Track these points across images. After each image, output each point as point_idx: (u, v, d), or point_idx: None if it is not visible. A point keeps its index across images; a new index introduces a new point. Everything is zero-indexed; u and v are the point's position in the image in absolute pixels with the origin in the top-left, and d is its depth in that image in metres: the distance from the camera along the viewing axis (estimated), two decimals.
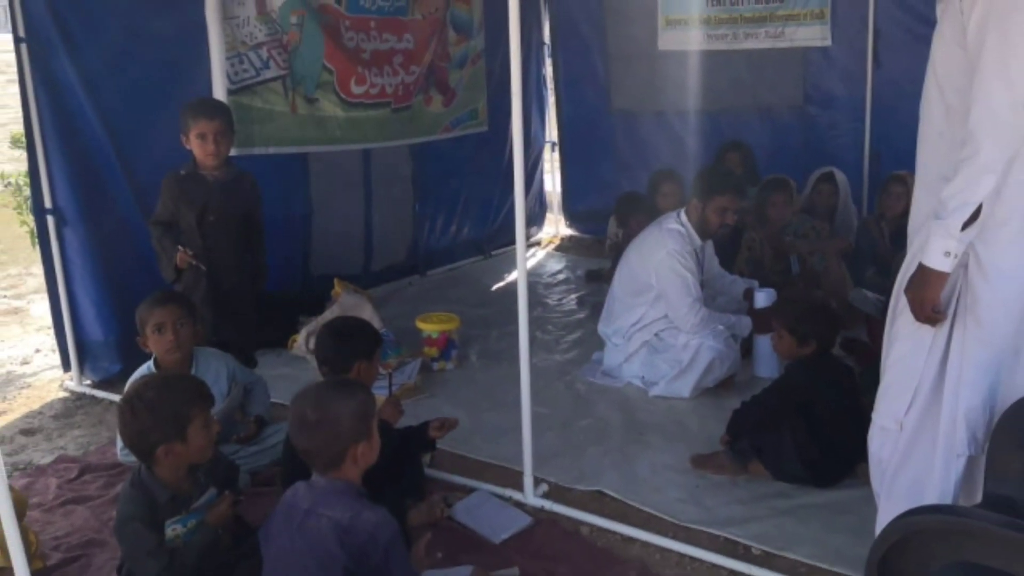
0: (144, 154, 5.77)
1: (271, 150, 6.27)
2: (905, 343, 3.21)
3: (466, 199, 8.91)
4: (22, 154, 6.29)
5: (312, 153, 6.98)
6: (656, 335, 5.71)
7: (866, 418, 3.42)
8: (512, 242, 5.25)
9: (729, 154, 7.63)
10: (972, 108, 2.86)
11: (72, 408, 5.71)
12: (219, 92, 5.82)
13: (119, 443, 4.61)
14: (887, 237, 6.74)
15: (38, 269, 6.71)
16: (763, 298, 5.86)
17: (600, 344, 6.14)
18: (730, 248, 6.81)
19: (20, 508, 3.85)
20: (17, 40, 5.48)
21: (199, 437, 3.39)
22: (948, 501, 3.09)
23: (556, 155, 10.09)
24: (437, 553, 3.69)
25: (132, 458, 3.64)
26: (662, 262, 5.58)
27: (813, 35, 8.06)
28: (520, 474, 4.40)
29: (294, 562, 2.90)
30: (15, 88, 5.74)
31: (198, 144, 5.06)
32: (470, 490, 4.50)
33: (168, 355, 4.44)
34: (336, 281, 6.61)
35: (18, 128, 7.53)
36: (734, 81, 8.53)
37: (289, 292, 6.87)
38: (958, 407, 3.06)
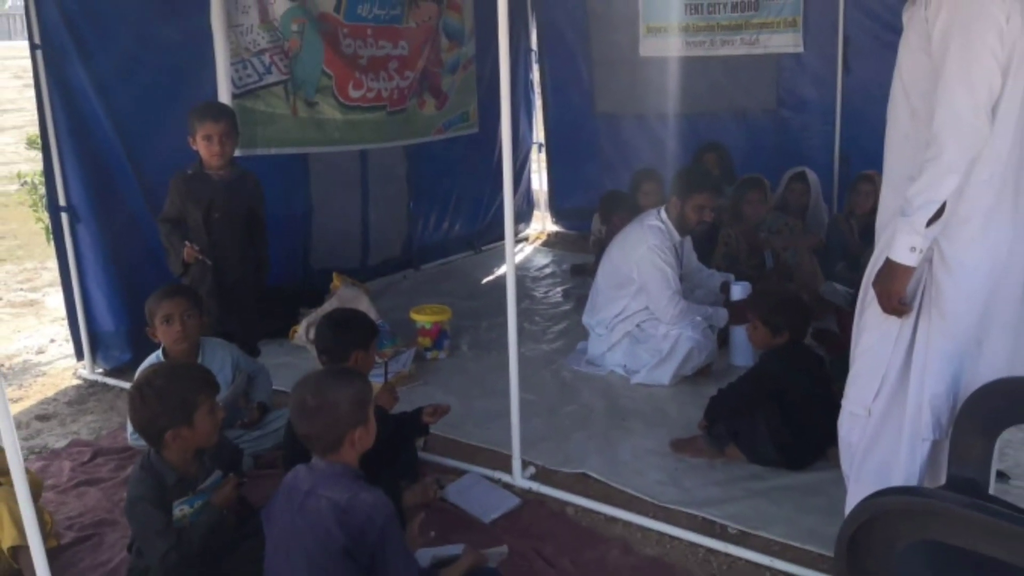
0: (153, 154, 5.75)
1: (273, 151, 6.25)
2: (873, 333, 3.22)
3: (458, 197, 8.89)
4: (37, 155, 6.27)
5: (312, 154, 6.95)
6: (638, 326, 5.71)
7: (836, 404, 3.42)
8: (501, 238, 5.24)
9: (706, 155, 7.63)
10: (936, 111, 2.86)
11: (85, 395, 5.70)
12: (224, 96, 5.79)
13: (129, 428, 4.60)
14: (856, 233, 6.74)
15: (53, 263, 6.68)
16: (739, 291, 5.87)
17: (584, 334, 6.13)
18: (707, 243, 6.81)
19: (36, 490, 3.84)
20: (33, 47, 5.47)
21: (205, 422, 3.38)
22: (914, 483, 3.10)
23: (543, 155, 10.05)
24: (430, 532, 3.71)
25: (142, 442, 3.63)
26: (643, 257, 5.58)
27: (786, 42, 8.05)
28: (509, 457, 4.41)
29: (295, 541, 2.89)
30: (31, 92, 5.72)
31: (204, 145, 5.05)
32: (461, 472, 4.51)
33: (176, 345, 4.44)
34: (335, 275, 6.60)
35: (34, 130, 7.51)
36: (711, 86, 8.50)
37: (290, 285, 6.84)
38: (923, 394, 3.07)
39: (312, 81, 6.43)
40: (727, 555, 3.78)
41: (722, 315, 5.78)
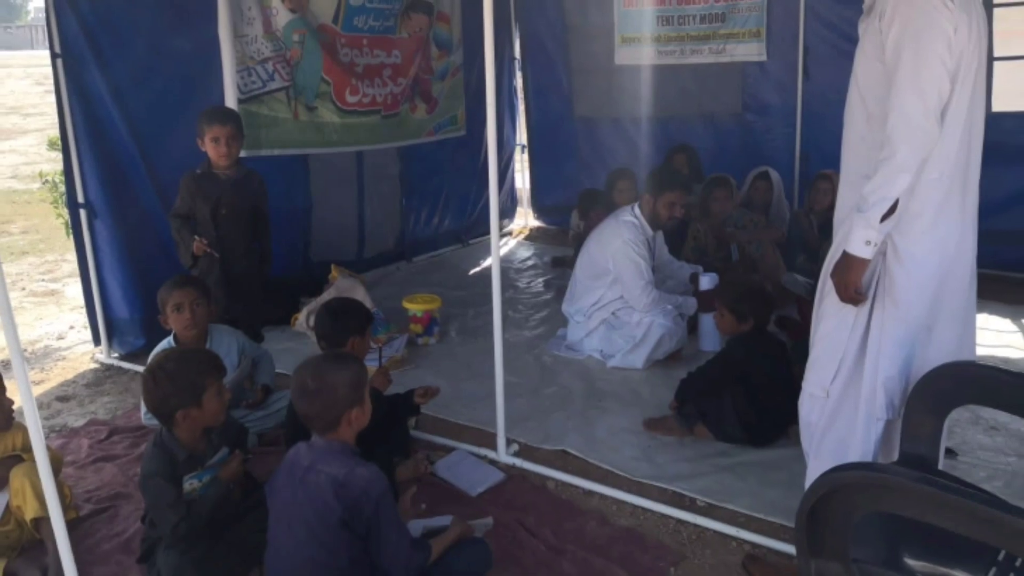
0: (165, 155, 5.73)
1: (276, 152, 6.22)
2: (831, 320, 3.21)
3: (447, 195, 8.87)
4: (58, 155, 6.22)
5: (312, 154, 6.92)
6: (613, 314, 5.70)
7: (797, 386, 3.40)
8: (487, 232, 5.22)
9: (677, 155, 7.61)
10: (889, 115, 2.84)
11: (102, 378, 5.67)
12: (230, 101, 5.77)
13: (143, 408, 4.58)
14: (815, 228, 6.74)
15: (72, 256, 6.64)
16: (707, 281, 5.86)
17: (564, 321, 6.12)
18: (678, 237, 6.81)
19: (56, 465, 3.83)
20: (54, 55, 5.44)
21: (213, 403, 3.36)
22: (869, 459, 3.09)
23: (525, 156, 10.03)
24: (421, 505, 3.70)
25: (154, 421, 3.62)
26: (619, 250, 5.57)
27: (750, 51, 8.04)
28: (494, 435, 4.40)
29: (296, 513, 2.88)
30: (52, 97, 5.71)
31: (212, 146, 5.03)
32: (450, 449, 4.50)
33: (186, 331, 4.41)
34: (333, 266, 6.58)
35: (54, 132, 7.46)
36: (681, 92, 8.49)
37: (292, 276, 6.82)
38: (877, 377, 3.06)
39: (312, 87, 6.40)
40: (696, 526, 3.78)
41: (691, 304, 5.78)
